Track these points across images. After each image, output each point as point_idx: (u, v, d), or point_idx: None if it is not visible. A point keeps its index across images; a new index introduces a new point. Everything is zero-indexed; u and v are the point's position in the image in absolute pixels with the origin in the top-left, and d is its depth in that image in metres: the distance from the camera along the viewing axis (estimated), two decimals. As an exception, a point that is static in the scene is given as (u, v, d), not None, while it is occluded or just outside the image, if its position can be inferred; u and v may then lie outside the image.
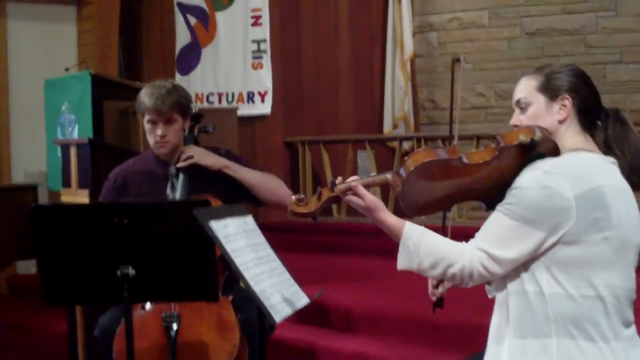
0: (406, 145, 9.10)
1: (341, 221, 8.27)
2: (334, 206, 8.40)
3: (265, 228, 6.55)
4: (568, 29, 9.29)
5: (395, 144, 8.92)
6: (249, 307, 3.49)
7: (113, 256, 3.13)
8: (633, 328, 2.65)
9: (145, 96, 4.08)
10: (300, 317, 5.77)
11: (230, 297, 3.81)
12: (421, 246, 2.62)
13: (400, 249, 2.66)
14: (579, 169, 2.57)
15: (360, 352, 5.22)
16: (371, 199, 2.69)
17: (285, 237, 7.56)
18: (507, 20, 9.64)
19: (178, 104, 4.11)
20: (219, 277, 3.78)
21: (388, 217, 2.70)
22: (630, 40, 9.02)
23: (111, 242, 3.12)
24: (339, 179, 2.75)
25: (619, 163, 2.68)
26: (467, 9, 9.86)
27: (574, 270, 2.53)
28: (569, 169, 2.55)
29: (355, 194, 2.69)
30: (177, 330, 3.62)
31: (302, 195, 2.74)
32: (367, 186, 2.71)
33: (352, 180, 2.72)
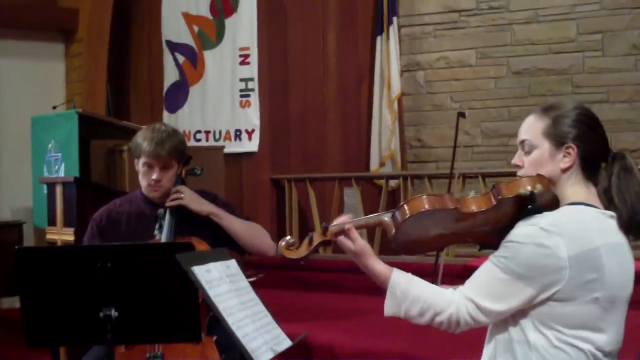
0: (393, 183, 9.13)
1: (327, 258, 8.27)
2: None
3: (250, 265, 6.59)
4: (555, 68, 9.38)
5: (382, 181, 8.96)
6: (233, 348, 3.49)
7: (96, 298, 3.12)
8: None
9: (145, 140, 4.09)
10: (283, 354, 5.76)
11: (214, 338, 3.81)
12: (408, 294, 2.61)
13: (387, 295, 2.65)
14: (577, 229, 2.53)
15: (345, 394, 5.23)
16: (361, 243, 2.68)
17: (270, 273, 7.57)
18: (493, 59, 9.73)
19: (176, 150, 4.13)
20: (203, 317, 3.78)
21: (375, 264, 2.69)
22: (616, 80, 9.12)
23: (94, 284, 3.11)
24: (334, 222, 2.74)
25: (618, 215, 2.63)
26: (455, 49, 9.96)
27: (561, 327, 2.52)
28: (566, 228, 2.51)
29: (348, 236, 2.69)
30: (161, 371, 3.62)
31: (293, 239, 2.74)
32: (360, 228, 2.72)
33: (345, 222, 2.71)
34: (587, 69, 9.24)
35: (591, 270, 2.49)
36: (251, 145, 9.04)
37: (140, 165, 4.13)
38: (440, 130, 9.87)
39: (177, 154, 4.12)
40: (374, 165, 9.77)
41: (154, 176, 4.09)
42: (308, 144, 9.46)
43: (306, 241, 2.73)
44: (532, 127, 2.73)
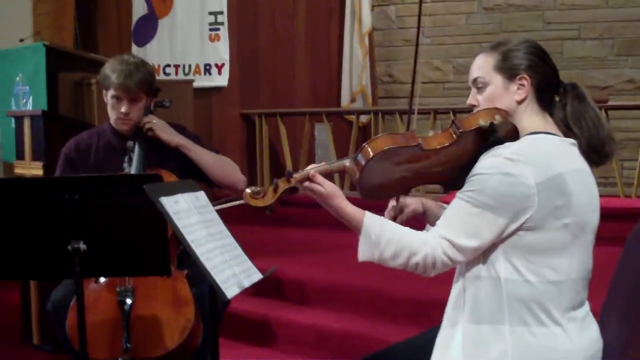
0: (364, 118, 9.13)
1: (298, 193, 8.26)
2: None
3: (220, 200, 6.57)
4: (526, 4, 9.34)
5: (353, 117, 8.93)
6: (204, 281, 3.48)
7: (64, 231, 3.10)
8: (586, 307, 2.65)
9: (113, 72, 4.05)
10: (255, 290, 5.78)
11: (185, 272, 3.81)
12: (382, 237, 2.58)
13: (361, 240, 2.62)
14: (541, 156, 2.54)
15: (314, 324, 5.26)
16: (330, 186, 2.64)
17: (240, 209, 7.55)
18: (465, -6, 9.67)
19: (145, 82, 4.10)
20: (173, 251, 3.77)
21: (347, 207, 2.65)
22: (587, 17, 9.09)
23: (62, 217, 3.10)
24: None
25: (578, 143, 2.65)
26: (426, -17, 9.86)
27: (531, 257, 2.52)
28: (530, 156, 2.51)
29: (313, 182, 2.65)
30: (131, 305, 3.62)
31: (258, 188, 2.68)
32: (324, 174, 2.67)
33: (309, 168, 2.68)
34: (559, 5, 9.19)
35: (559, 196, 2.50)
36: (221, 79, 8.96)
37: (108, 97, 4.09)
38: (411, 65, 9.79)
39: (145, 86, 4.09)
40: (344, 100, 9.74)
41: (123, 109, 4.05)
42: (278, 79, 9.40)
43: (271, 189, 2.68)
44: (483, 65, 2.72)
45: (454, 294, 2.66)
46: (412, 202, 2.93)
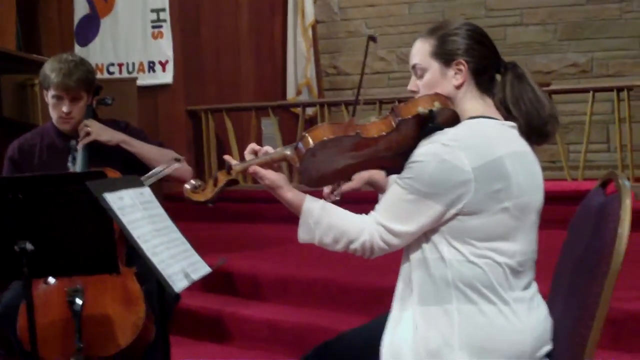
0: (310, 111, 9.15)
1: (245, 188, 8.25)
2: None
3: (168, 198, 6.55)
4: (468, -8, 9.40)
5: (299, 110, 8.94)
6: (153, 278, 3.47)
7: (10, 231, 3.08)
8: (534, 288, 2.66)
9: (52, 71, 4.02)
10: (208, 286, 5.77)
11: (134, 269, 3.79)
12: (321, 222, 2.59)
13: (300, 223, 2.63)
14: (478, 141, 2.53)
15: (268, 318, 5.24)
16: (270, 178, 2.64)
17: (188, 206, 7.53)
18: (408, -16, 9.70)
19: (85, 80, 4.07)
20: (121, 248, 3.75)
21: (287, 194, 2.65)
22: (530, 2, 9.18)
23: (7, 218, 3.07)
24: (233, 161, 2.69)
25: (518, 124, 2.64)
26: (368, -26, 9.90)
27: (474, 241, 2.52)
28: (467, 142, 2.51)
29: (255, 176, 2.66)
30: (81, 304, 3.58)
31: (199, 182, 2.66)
32: (264, 165, 2.66)
33: (249, 162, 2.67)
34: (500, -9, 9.27)
35: (497, 180, 2.49)
36: (165, 76, 8.92)
37: (49, 97, 4.07)
38: (356, 57, 9.83)
39: (85, 84, 4.06)
40: (290, 94, 9.76)
41: (64, 108, 4.03)
42: (223, 75, 9.39)
43: (211, 182, 2.66)
44: (420, 51, 2.71)
45: (402, 277, 2.66)
46: (351, 182, 2.95)
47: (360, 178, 2.99)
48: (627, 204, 2.38)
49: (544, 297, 2.72)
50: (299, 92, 9.70)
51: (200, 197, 2.65)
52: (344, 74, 10.07)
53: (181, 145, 8.73)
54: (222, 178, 2.66)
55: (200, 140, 8.97)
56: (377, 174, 3.03)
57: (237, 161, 2.70)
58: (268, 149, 2.71)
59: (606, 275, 2.37)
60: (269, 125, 8.90)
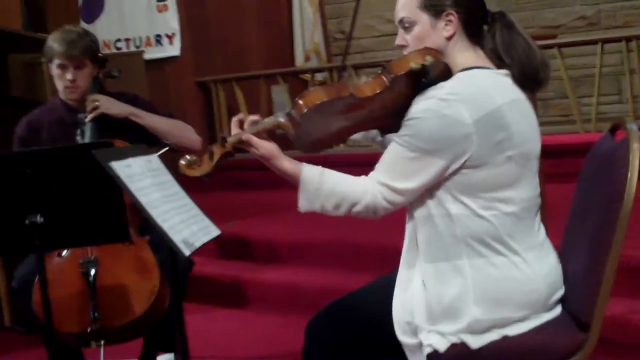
0: (320, 76, 9.11)
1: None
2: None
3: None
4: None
5: (308, 76, 8.93)
6: (167, 246, 3.48)
7: (20, 206, 3.09)
8: (542, 235, 2.65)
9: (55, 41, 4.04)
10: (223, 253, 5.81)
11: (147, 238, 3.80)
12: (321, 189, 2.57)
13: (300, 192, 2.60)
14: (475, 92, 2.49)
15: (285, 282, 5.29)
16: (265, 148, 2.59)
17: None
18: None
19: (89, 49, 4.08)
20: (134, 218, 3.76)
21: (284, 163, 2.61)
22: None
23: (17, 193, 3.08)
24: (228, 134, 2.66)
25: (511, 72, 2.61)
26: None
27: (480, 193, 2.50)
28: (465, 94, 2.47)
29: (249, 145, 2.61)
30: (95, 275, 3.60)
31: (194, 157, 2.63)
32: (258, 134, 2.61)
33: (242, 132, 2.63)
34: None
35: (498, 130, 2.47)
36: (173, 49, 8.93)
37: (54, 68, 4.08)
38: (362, 20, 9.79)
39: (89, 52, 4.07)
40: (299, 60, 9.74)
41: (69, 76, 4.04)
42: (229, 44, 9.37)
43: (206, 156, 2.63)
44: (407, 3, 2.65)
45: (407, 236, 2.65)
46: None
47: None
48: (635, 148, 2.38)
49: (557, 247, 2.72)
50: (307, 59, 9.67)
51: (196, 172, 2.62)
52: (351, 37, 10.03)
53: (192, 117, 8.72)
54: (217, 151, 2.62)
55: (211, 111, 8.98)
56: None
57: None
58: (255, 117, 2.67)
59: (617, 219, 2.38)
60: (279, 92, 8.89)
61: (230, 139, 2.63)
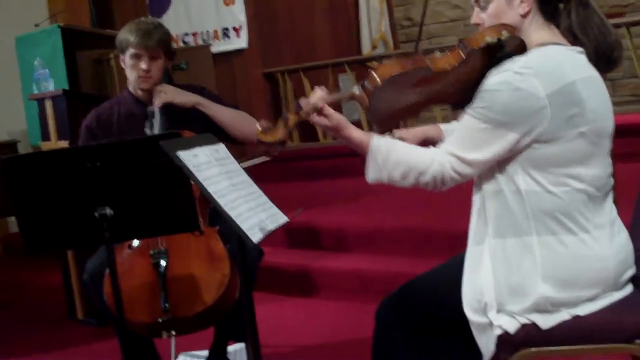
0: (387, 64, 9.08)
1: (326, 145, 8.27)
2: (319, 130, 8.41)
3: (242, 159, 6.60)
4: None
5: (375, 63, 8.89)
6: (236, 236, 3.49)
7: (89, 199, 3.12)
8: (613, 213, 2.63)
9: (130, 32, 4.07)
10: (292, 242, 5.82)
11: (217, 228, 3.82)
12: (389, 158, 2.57)
13: (368, 162, 2.61)
14: (550, 67, 2.48)
15: (355, 269, 5.29)
16: (337, 118, 2.62)
17: (267, 167, 7.58)
18: None
19: (163, 40, 4.12)
20: (203, 208, 3.79)
21: (353, 133, 2.64)
22: None
23: (86, 185, 3.11)
24: (304, 100, 2.66)
25: (585, 51, 2.60)
26: None
27: (551, 168, 2.48)
28: (539, 68, 2.46)
29: (321, 114, 2.62)
30: (166, 266, 3.63)
31: (269, 123, 2.64)
32: (332, 103, 2.63)
33: (317, 100, 2.64)
34: None
35: (571, 105, 2.45)
36: (240, 42, 8.98)
37: (127, 58, 4.10)
38: (430, 6, 9.74)
39: (164, 44, 4.11)
40: (366, 49, 9.73)
41: (143, 66, 4.06)
42: (297, 35, 9.40)
43: (281, 123, 2.63)
44: None
45: (475, 210, 2.64)
46: (409, 137, 2.93)
47: (414, 136, 2.97)
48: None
49: (627, 226, 2.68)
50: (374, 47, 9.66)
51: (270, 138, 2.62)
52: (418, 25, 9.97)
53: (260, 109, 8.78)
54: (292, 118, 2.63)
55: (279, 102, 9.01)
56: (431, 130, 3.01)
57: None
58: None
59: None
60: (346, 81, 8.88)
61: (305, 108, 2.63)
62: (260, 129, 2.64)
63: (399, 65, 2.55)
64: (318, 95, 2.67)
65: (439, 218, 5.30)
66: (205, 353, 4.24)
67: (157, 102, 4.07)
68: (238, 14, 8.97)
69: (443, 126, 3.06)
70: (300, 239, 5.88)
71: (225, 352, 4.16)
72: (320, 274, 5.44)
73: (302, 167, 7.99)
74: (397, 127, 2.88)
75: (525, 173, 2.50)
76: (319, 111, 2.62)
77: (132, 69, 4.11)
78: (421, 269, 4.61)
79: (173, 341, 3.59)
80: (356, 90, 2.60)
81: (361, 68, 9.29)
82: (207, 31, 9.11)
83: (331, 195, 7.01)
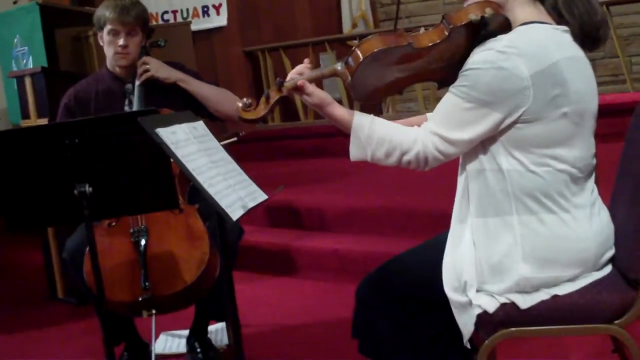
0: (367, 43, 9.07)
1: (307, 124, 8.26)
2: (301, 110, 8.39)
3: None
4: None
5: (356, 42, 8.87)
6: (216, 214, 3.48)
7: (68, 176, 3.10)
8: (594, 194, 2.63)
9: (107, 8, 4.07)
10: (273, 221, 5.81)
11: (197, 206, 3.81)
12: (373, 137, 2.57)
13: (352, 140, 2.60)
14: (534, 46, 2.46)
15: (335, 248, 5.28)
16: (319, 95, 2.61)
17: (250, 146, 7.57)
18: None
19: (141, 16, 4.12)
20: (183, 186, 3.78)
21: (336, 110, 2.63)
22: None
23: (64, 162, 3.09)
24: (289, 76, 2.67)
25: (570, 29, 2.58)
26: None
27: (533, 148, 2.47)
28: (523, 48, 2.44)
29: (303, 92, 2.62)
30: (145, 244, 3.62)
31: (249, 100, 2.63)
32: (314, 80, 2.62)
33: (298, 77, 2.63)
34: None
35: (554, 85, 2.44)
36: (220, 19, 8.95)
37: (105, 34, 4.10)
38: (410, -14, 9.75)
39: (141, 20, 4.12)
40: (346, 27, 9.71)
41: (121, 42, 4.07)
42: (277, 13, 9.37)
43: (263, 100, 2.63)
44: None
45: (459, 189, 2.63)
46: None
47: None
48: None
49: (606, 206, 2.68)
50: (354, 25, 9.64)
51: (252, 115, 2.63)
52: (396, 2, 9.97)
53: (241, 87, 8.75)
54: (274, 95, 2.63)
55: (259, 81, 8.99)
56: (420, 120, 2.99)
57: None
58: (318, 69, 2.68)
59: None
60: (327, 60, 8.88)
61: (287, 84, 2.63)
62: (241, 105, 2.62)
63: (381, 41, 2.53)
64: (299, 71, 2.67)
65: (421, 198, 5.30)
66: (186, 332, 4.23)
67: (140, 79, 4.06)
68: (218, -8, 8.94)
69: (430, 115, 3.04)
70: (280, 218, 5.87)
71: (206, 331, 4.15)
72: (300, 254, 5.43)
73: (283, 146, 7.98)
74: (380, 103, 2.86)
75: (508, 153, 2.49)
76: (301, 89, 2.60)
77: (110, 45, 4.10)
78: (402, 249, 4.62)
79: (154, 320, 3.57)
80: (339, 66, 2.59)
81: (342, 47, 9.29)
82: (187, 9, 9.06)
83: (312, 174, 7.01)
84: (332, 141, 7.33)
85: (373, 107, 7.27)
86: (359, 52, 2.53)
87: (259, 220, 5.85)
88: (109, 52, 4.13)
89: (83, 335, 4.80)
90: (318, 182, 6.60)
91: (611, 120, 5.20)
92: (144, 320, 3.66)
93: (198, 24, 8.61)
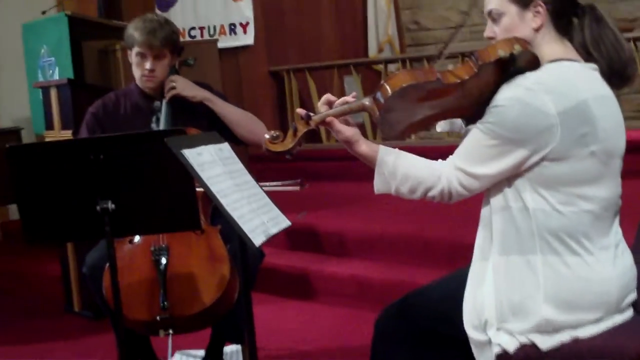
0: (393, 67, 9.06)
1: (330, 147, 8.24)
2: (323, 132, 8.38)
3: (253, 159, 6.59)
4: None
5: (381, 67, 8.88)
6: (237, 236, 3.46)
7: (91, 191, 3.09)
8: (619, 235, 2.60)
9: (136, 30, 4.04)
10: (293, 245, 5.79)
11: (219, 227, 3.79)
12: (396, 173, 2.57)
13: (376, 175, 2.61)
14: (562, 84, 2.45)
15: (355, 275, 5.26)
16: (345, 134, 2.62)
17: (271, 166, 7.55)
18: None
19: (169, 39, 4.09)
20: (205, 207, 3.77)
21: (361, 147, 2.62)
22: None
23: (88, 178, 3.09)
24: (318, 105, 2.67)
25: (599, 67, 2.57)
26: None
27: (560, 187, 2.45)
28: (551, 85, 2.43)
29: (331, 128, 2.62)
30: (166, 263, 3.60)
31: (277, 133, 2.62)
32: (343, 115, 2.62)
33: (327, 113, 2.62)
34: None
35: (583, 124, 2.42)
36: (247, 38, 8.96)
37: (133, 55, 4.09)
38: (437, 11, 9.75)
39: (169, 43, 4.07)
40: (372, 51, 9.71)
41: (147, 66, 4.05)
42: (304, 34, 9.38)
43: (290, 132, 2.62)
44: None
45: (482, 226, 2.61)
46: None
47: None
48: None
49: (630, 246, 2.65)
50: (380, 50, 9.64)
51: (279, 148, 2.62)
52: (425, 29, 9.98)
53: (265, 107, 8.76)
54: (302, 128, 2.62)
55: (284, 101, 8.98)
56: None
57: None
58: (345, 99, 2.67)
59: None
60: (352, 82, 8.86)
61: (315, 118, 2.62)
62: (268, 137, 2.61)
63: (410, 76, 2.51)
64: (327, 101, 2.67)
65: (440, 227, 5.27)
66: (201, 352, 4.21)
67: (167, 96, 4.05)
68: (245, 10, 8.95)
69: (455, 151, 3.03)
70: (301, 241, 5.84)
71: (221, 352, 4.13)
72: (319, 278, 5.41)
73: (305, 168, 7.95)
74: (406, 139, 2.86)
75: (534, 190, 2.47)
76: (329, 125, 2.62)
77: (137, 67, 4.11)
78: (420, 277, 4.61)
79: (170, 340, 3.56)
80: (367, 101, 2.58)
81: (367, 70, 9.29)
82: (214, 26, 9.08)
83: (334, 198, 6.98)
84: (353, 165, 7.29)
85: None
86: (387, 87, 2.51)
87: (279, 243, 5.82)
88: (136, 73, 4.12)
89: (98, 349, 4.79)
90: (339, 206, 6.57)
91: (635, 157, 5.18)
92: (160, 338, 3.64)
93: (225, 42, 8.60)
